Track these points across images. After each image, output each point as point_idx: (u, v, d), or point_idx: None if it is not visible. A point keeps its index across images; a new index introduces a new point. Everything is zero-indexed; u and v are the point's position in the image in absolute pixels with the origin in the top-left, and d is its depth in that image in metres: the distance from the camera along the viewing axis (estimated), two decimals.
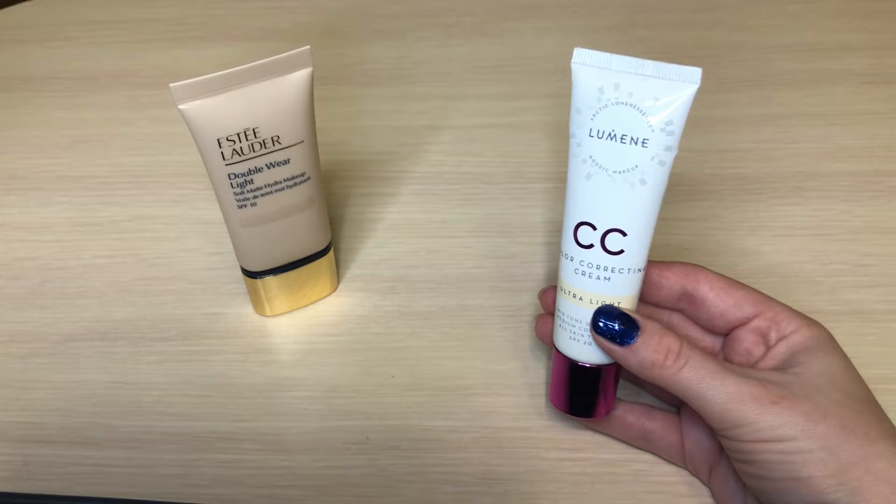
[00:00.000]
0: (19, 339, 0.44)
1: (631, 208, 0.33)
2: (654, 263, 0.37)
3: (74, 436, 0.40)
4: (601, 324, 0.34)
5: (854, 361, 0.34)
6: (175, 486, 0.39)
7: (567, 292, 0.35)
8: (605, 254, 0.34)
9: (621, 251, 0.34)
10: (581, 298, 0.35)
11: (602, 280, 0.34)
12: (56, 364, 0.43)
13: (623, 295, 0.35)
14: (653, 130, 0.32)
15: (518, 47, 0.60)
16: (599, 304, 0.34)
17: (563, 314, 0.36)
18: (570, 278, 0.35)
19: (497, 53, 0.60)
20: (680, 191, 0.50)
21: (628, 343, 0.33)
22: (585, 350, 0.35)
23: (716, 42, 0.60)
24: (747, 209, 0.49)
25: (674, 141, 0.32)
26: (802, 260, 0.46)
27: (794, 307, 0.35)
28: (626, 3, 0.63)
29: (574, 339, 0.35)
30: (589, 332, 0.35)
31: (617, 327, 0.34)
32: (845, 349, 0.34)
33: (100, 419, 0.41)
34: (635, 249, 0.34)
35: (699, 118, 0.52)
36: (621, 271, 0.34)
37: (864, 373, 0.33)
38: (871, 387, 0.33)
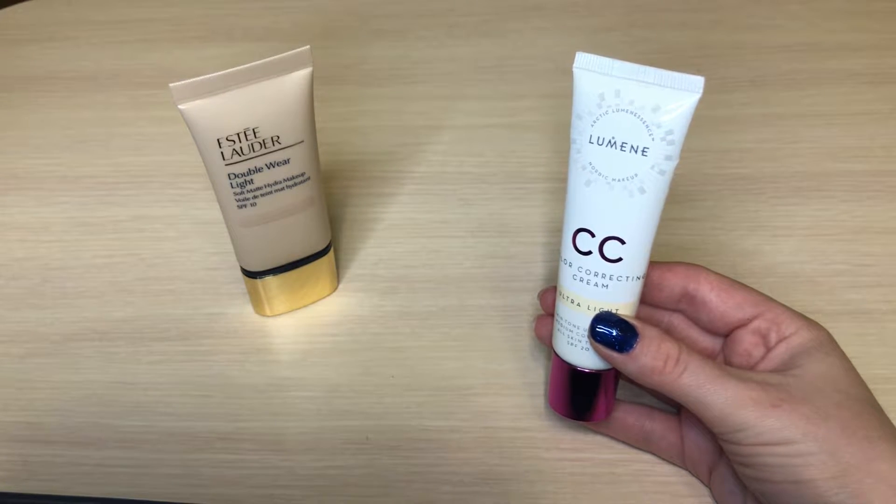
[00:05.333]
0: (19, 339, 0.44)
1: (630, 217, 0.33)
2: (655, 265, 0.37)
3: (74, 436, 0.40)
4: (599, 330, 0.34)
5: (854, 361, 0.34)
6: (175, 486, 0.39)
7: (566, 298, 0.35)
8: (604, 261, 0.34)
9: (620, 259, 0.34)
10: (579, 304, 0.35)
11: (600, 287, 0.34)
12: (56, 364, 0.43)
13: (621, 302, 0.34)
14: (653, 139, 0.32)
15: (518, 47, 0.60)
16: (597, 311, 0.34)
17: (562, 319, 0.36)
18: (568, 284, 0.35)
19: (497, 53, 0.60)
20: (680, 191, 0.50)
21: (627, 350, 0.33)
22: (584, 355, 0.35)
23: (716, 42, 0.60)
24: (747, 209, 0.49)
25: (674, 150, 0.32)
26: (802, 260, 0.46)
27: (794, 307, 0.35)
28: (626, 3, 0.63)
29: (572, 344, 0.35)
30: (587, 339, 0.35)
31: (615, 334, 0.34)
32: (845, 349, 0.34)
33: (100, 419, 0.41)
34: (634, 258, 0.34)
35: (699, 118, 0.51)
36: (619, 279, 0.34)
37: (864, 373, 0.33)
38: (871, 387, 0.33)
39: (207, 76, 0.35)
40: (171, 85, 0.34)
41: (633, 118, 0.32)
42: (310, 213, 0.41)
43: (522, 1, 0.64)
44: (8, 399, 0.42)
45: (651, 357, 0.33)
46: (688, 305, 0.37)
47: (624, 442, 0.39)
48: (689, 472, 0.38)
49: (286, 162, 0.38)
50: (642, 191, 0.32)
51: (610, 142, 0.32)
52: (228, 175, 0.37)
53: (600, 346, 0.34)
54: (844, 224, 0.48)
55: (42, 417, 0.41)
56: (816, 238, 0.47)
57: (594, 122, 0.32)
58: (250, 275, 0.42)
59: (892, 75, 0.57)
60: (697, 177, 0.51)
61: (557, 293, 0.36)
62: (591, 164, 0.33)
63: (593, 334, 0.34)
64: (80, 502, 0.38)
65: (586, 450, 0.39)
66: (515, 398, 0.41)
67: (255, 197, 0.38)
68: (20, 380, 0.43)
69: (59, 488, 0.39)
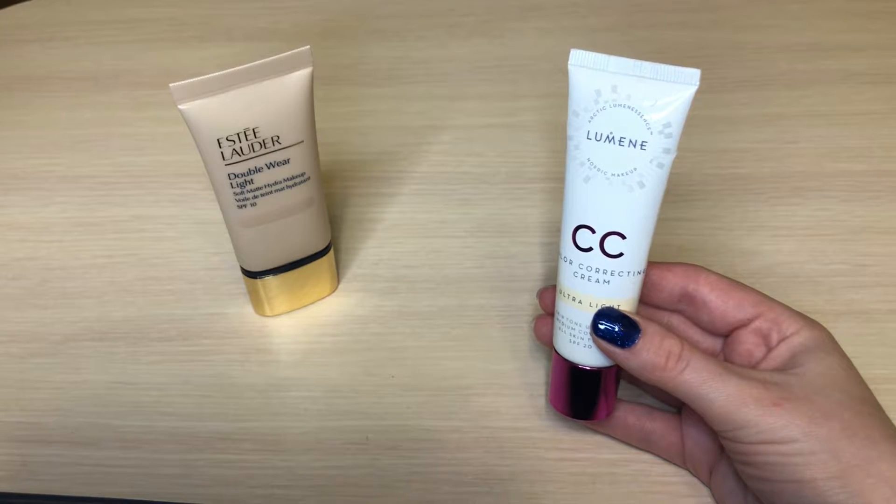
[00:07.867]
0: (19, 339, 0.44)
1: (630, 211, 0.33)
2: (654, 265, 0.37)
3: (74, 436, 0.40)
4: (602, 326, 0.34)
5: (854, 361, 0.34)
6: (175, 486, 0.39)
7: (566, 295, 0.35)
8: (605, 257, 0.34)
9: (621, 254, 0.34)
10: (580, 302, 0.35)
11: (601, 283, 0.34)
12: (56, 364, 0.43)
13: (623, 298, 0.34)
14: (651, 133, 0.32)
15: (518, 47, 0.60)
16: (599, 308, 0.34)
17: (563, 317, 0.36)
18: (569, 281, 0.35)
19: (497, 53, 0.60)
20: (680, 191, 0.50)
21: (629, 345, 0.33)
22: (586, 353, 0.35)
23: (716, 42, 0.60)
24: (747, 209, 0.49)
25: (672, 143, 0.32)
26: (802, 260, 0.46)
27: (794, 307, 0.35)
28: (626, 3, 0.63)
29: (574, 342, 0.35)
30: (589, 336, 0.35)
31: (617, 330, 0.34)
32: (845, 349, 0.34)
33: (100, 419, 0.41)
34: (635, 252, 0.34)
35: (699, 118, 0.52)
36: (621, 274, 0.34)
37: (864, 373, 0.33)
38: (871, 387, 0.33)
39: (207, 76, 0.35)
40: (171, 85, 0.34)
41: (630, 113, 0.32)
42: (310, 213, 0.41)
43: (522, 1, 0.64)
44: (8, 399, 0.42)
45: (653, 353, 0.33)
46: (687, 306, 0.37)
47: (624, 442, 0.39)
48: (690, 471, 0.38)
49: (286, 162, 0.38)
50: (642, 185, 0.33)
51: (608, 137, 0.32)
52: (228, 175, 0.37)
53: (602, 342, 0.34)
54: (844, 224, 0.48)
55: (42, 417, 0.41)
56: (816, 238, 0.47)
57: (591, 117, 0.33)
58: (250, 275, 0.42)
59: (892, 75, 0.57)
60: (697, 177, 0.51)
61: (558, 291, 0.36)
62: (589, 160, 0.33)
63: (595, 330, 0.34)
64: (80, 502, 0.38)
65: (586, 450, 0.39)
66: (515, 398, 0.41)
67: (255, 197, 0.38)
68: (20, 380, 0.43)
69: (59, 488, 0.39)
